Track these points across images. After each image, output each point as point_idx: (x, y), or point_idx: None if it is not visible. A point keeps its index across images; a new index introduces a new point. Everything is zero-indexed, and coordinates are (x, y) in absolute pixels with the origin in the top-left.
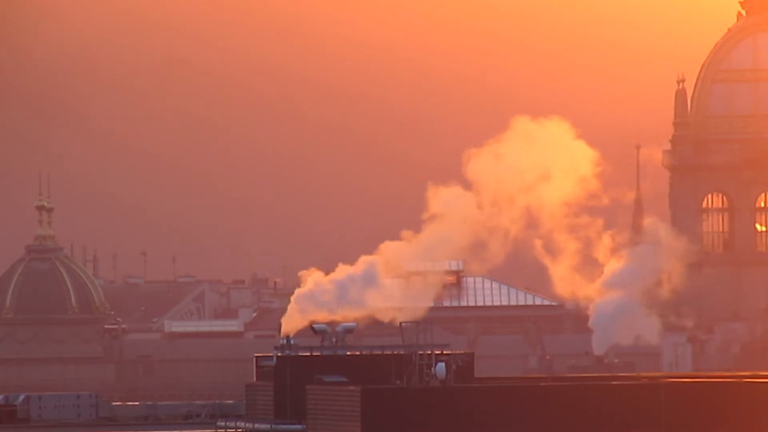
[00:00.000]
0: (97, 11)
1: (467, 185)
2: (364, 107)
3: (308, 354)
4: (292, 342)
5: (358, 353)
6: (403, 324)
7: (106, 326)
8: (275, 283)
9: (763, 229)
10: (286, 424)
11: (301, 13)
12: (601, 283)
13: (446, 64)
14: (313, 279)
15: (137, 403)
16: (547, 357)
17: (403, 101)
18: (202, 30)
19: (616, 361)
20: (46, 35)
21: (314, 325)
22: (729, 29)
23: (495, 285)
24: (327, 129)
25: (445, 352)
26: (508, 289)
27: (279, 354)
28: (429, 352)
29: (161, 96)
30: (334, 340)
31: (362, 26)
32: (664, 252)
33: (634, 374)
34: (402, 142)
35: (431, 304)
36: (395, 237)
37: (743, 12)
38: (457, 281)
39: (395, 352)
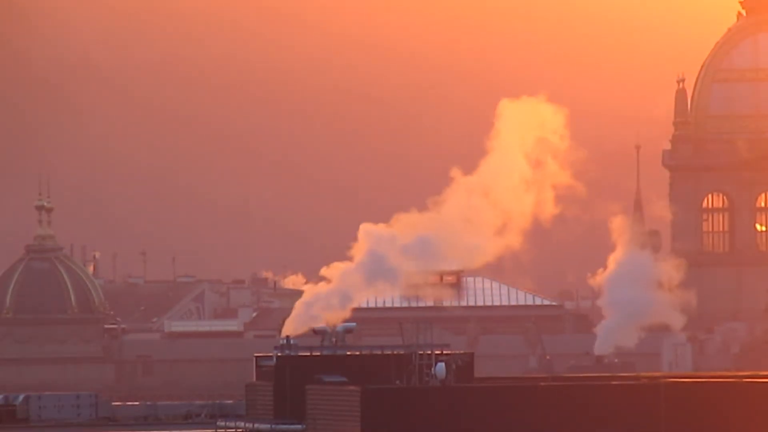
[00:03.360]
0: (98, 13)
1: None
2: (365, 107)
3: (308, 354)
4: (292, 342)
5: (358, 353)
6: (403, 324)
7: (105, 326)
8: (275, 283)
9: (763, 229)
10: (286, 424)
11: (300, 13)
12: (603, 279)
13: (446, 65)
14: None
15: (137, 403)
16: (547, 357)
17: (405, 101)
18: (200, 32)
19: (616, 361)
20: (46, 34)
21: (314, 326)
22: (729, 29)
23: (495, 285)
24: (327, 129)
25: (445, 352)
26: (508, 289)
27: (279, 354)
28: (429, 352)
29: (160, 96)
30: (334, 340)
31: (362, 26)
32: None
33: (634, 374)
34: (403, 142)
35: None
36: None
37: (743, 12)
38: (457, 281)
39: (395, 352)
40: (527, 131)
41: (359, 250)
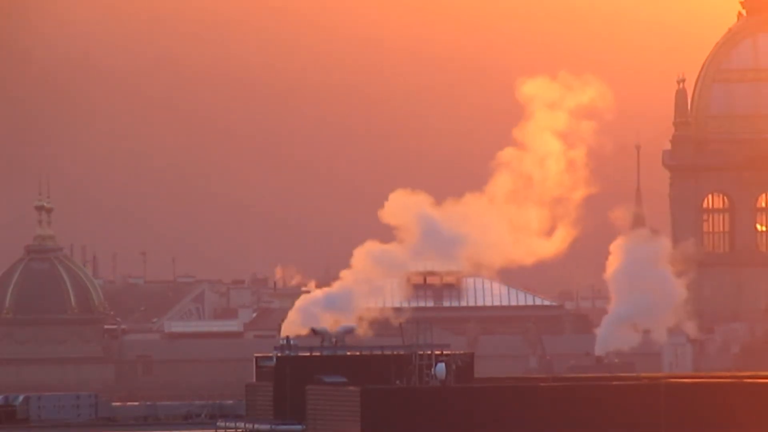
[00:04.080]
0: (97, 13)
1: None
2: (364, 107)
3: (308, 354)
4: (291, 342)
5: (358, 353)
6: (403, 324)
7: (105, 326)
8: (275, 283)
9: (764, 229)
10: (285, 424)
11: (300, 13)
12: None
13: (447, 63)
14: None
15: (137, 403)
16: (547, 357)
17: (405, 100)
18: (201, 30)
19: (616, 361)
20: (47, 35)
21: (314, 327)
22: (729, 29)
23: (495, 285)
24: (327, 129)
25: (445, 352)
26: (508, 289)
27: (279, 354)
28: (429, 352)
29: (160, 96)
30: (333, 340)
31: (362, 26)
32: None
33: (634, 374)
34: (402, 141)
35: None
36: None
37: (743, 12)
38: (457, 281)
39: (395, 352)
40: (559, 108)
41: (406, 216)
